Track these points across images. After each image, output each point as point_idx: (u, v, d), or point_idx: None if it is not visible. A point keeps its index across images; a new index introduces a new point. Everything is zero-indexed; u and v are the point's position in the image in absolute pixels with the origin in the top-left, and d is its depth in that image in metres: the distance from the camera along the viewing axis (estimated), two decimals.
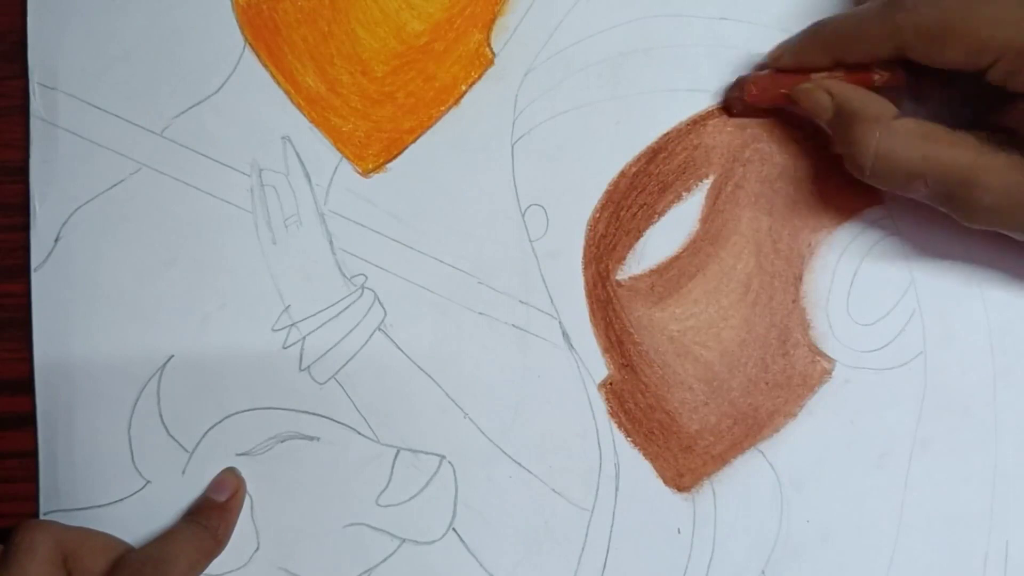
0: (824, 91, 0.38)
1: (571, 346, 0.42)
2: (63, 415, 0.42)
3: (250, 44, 0.43)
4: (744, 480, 0.42)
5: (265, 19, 0.43)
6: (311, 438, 0.42)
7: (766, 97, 0.40)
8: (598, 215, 0.42)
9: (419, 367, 0.42)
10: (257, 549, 0.42)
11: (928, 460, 0.41)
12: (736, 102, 0.41)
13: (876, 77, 0.38)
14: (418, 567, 0.42)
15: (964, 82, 0.36)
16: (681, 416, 0.42)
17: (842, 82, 0.38)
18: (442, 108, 0.43)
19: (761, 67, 0.41)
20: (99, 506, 0.42)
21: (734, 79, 0.42)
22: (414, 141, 0.43)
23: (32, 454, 0.42)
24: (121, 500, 0.42)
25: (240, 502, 0.42)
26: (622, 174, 0.42)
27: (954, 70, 0.36)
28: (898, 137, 0.36)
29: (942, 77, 0.37)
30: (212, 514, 0.41)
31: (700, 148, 0.42)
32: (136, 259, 0.42)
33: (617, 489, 0.42)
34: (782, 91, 0.40)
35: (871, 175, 0.37)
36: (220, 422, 0.42)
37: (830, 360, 0.42)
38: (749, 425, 0.42)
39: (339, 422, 0.42)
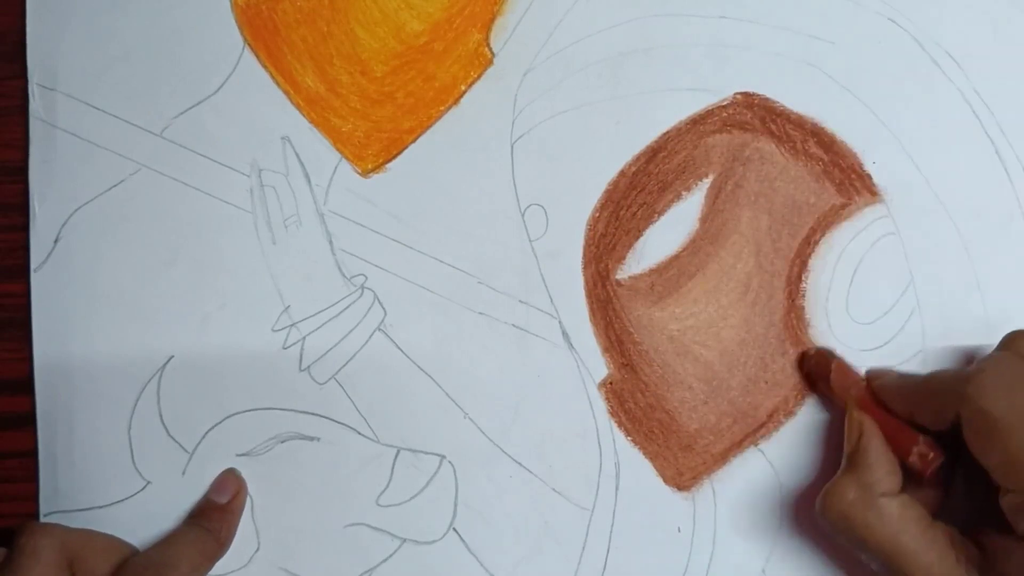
0: (858, 427, 0.38)
1: (571, 346, 0.42)
2: (63, 415, 0.42)
3: (249, 44, 0.43)
4: (744, 479, 0.42)
5: (264, 19, 0.43)
6: (311, 438, 0.42)
7: (836, 393, 0.40)
8: (598, 215, 0.42)
9: (419, 367, 0.42)
10: (258, 549, 0.42)
11: None
12: (814, 368, 0.41)
13: (913, 453, 0.37)
14: (418, 567, 0.42)
15: (986, 487, 0.36)
16: (681, 415, 0.42)
17: (875, 432, 0.38)
18: (441, 108, 0.43)
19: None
20: (99, 507, 0.42)
21: (819, 350, 0.41)
22: (414, 141, 0.43)
23: (32, 454, 0.42)
24: (121, 501, 0.42)
25: (242, 504, 0.42)
26: (622, 174, 0.42)
27: (986, 471, 0.35)
28: (871, 514, 0.36)
29: (971, 471, 0.36)
30: (214, 516, 0.41)
31: (700, 147, 0.42)
32: (136, 259, 0.42)
33: (617, 488, 0.42)
34: (844, 398, 0.39)
35: (829, 527, 0.37)
36: (220, 422, 0.42)
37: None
38: (749, 424, 0.42)
39: (339, 422, 0.42)
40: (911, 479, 0.37)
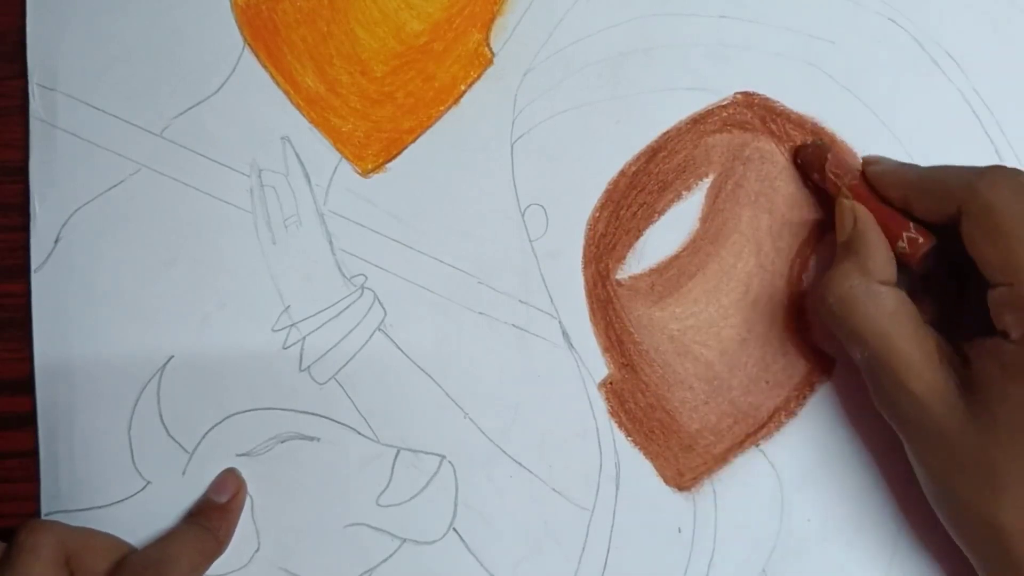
0: (852, 214, 0.38)
1: (571, 346, 0.42)
2: (63, 415, 0.42)
3: (249, 44, 0.43)
4: (745, 479, 0.42)
5: (264, 19, 0.43)
6: (311, 438, 0.42)
7: (830, 182, 0.40)
8: (598, 214, 0.42)
9: (419, 367, 0.42)
10: (257, 549, 0.42)
11: None
12: (808, 159, 0.41)
13: (903, 237, 0.37)
14: (418, 567, 0.42)
15: (975, 290, 0.36)
16: (681, 415, 0.42)
17: (871, 219, 0.38)
18: (441, 108, 0.43)
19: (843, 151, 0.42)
20: (99, 507, 0.42)
21: (814, 141, 0.42)
22: (414, 141, 0.43)
23: (32, 454, 0.42)
24: (121, 501, 0.42)
25: (241, 503, 0.42)
26: (622, 173, 0.42)
27: (980, 267, 0.35)
28: (870, 301, 0.36)
29: (961, 274, 0.37)
30: (213, 515, 0.41)
31: (700, 147, 0.42)
32: (136, 259, 0.42)
33: (617, 489, 0.42)
34: (840, 185, 0.39)
35: (825, 313, 0.37)
36: (220, 423, 0.42)
37: (831, 359, 0.42)
38: (750, 424, 0.42)
39: (339, 422, 0.42)
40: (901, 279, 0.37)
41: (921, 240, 0.37)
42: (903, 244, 0.37)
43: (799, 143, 0.42)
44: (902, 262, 0.38)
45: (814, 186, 0.42)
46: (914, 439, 0.36)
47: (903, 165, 0.40)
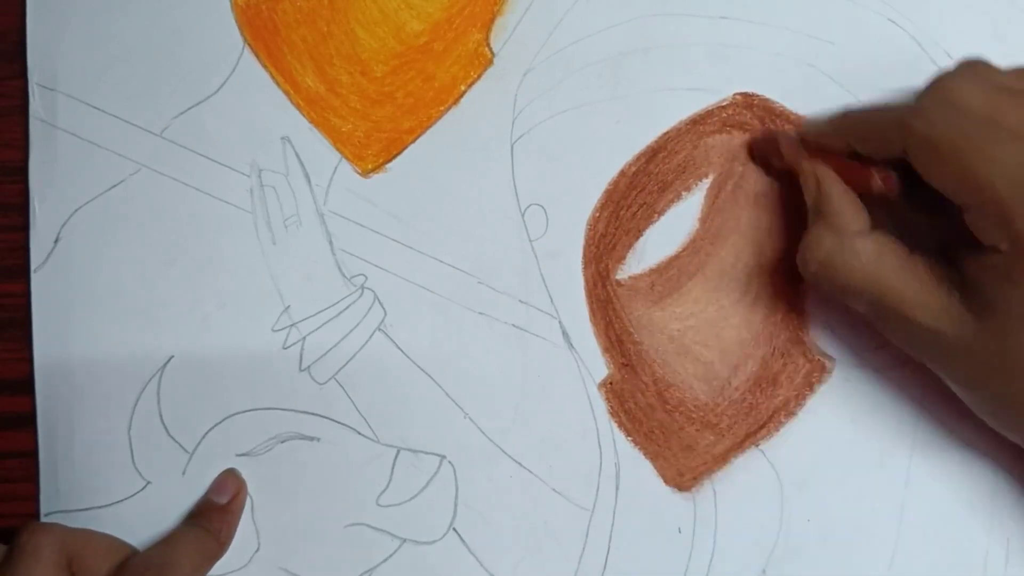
0: (813, 177, 0.39)
1: (571, 346, 0.42)
2: (63, 415, 0.42)
3: (249, 44, 0.43)
4: (745, 479, 0.42)
5: (264, 19, 0.43)
6: (311, 438, 0.42)
7: (788, 159, 0.40)
8: (598, 215, 0.42)
9: (419, 367, 0.42)
10: (258, 550, 0.42)
11: (929, 458, 0.41)
12: (762, 149, 0.42)
13: (874, 179, 0.37)
14: (418, 567, 0.42)
15: (950, 213, 0.36)
16: (681, 415, 0.42)
17: (833, 179, 0.38)
18: (441, 108, 0.43)
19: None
20: (99, 507, 0.42)
21: (766, 131, 0.42)
22: (414, 141, 0.43)
23: (32, 454, 0.42)
24: (121, 501, 0.42)
25: (241, 504, 0.42)
26: (622, 173, 0.42)
27: (944, 196, 0.35)
28: (848, 254, 0.37)
29: (935, 199, 0.36)
30: (214, 516, 0.41)
31: (700, 147, 0.42)
32: (136, 259, 0.42)
33: (617, 489, 0.42)
34: (799, 157, 0.40)
35: (811, 278, 0.38)
36: (220, 422, 0.42)
37: (830, 359, 0.42)
38: (750, 424, 0.42)
39: (339, 422, 0.42)
40: (880, 218, 0.38)
41: (892, 174, 0.37)
42: (878, 183, 0.37)
43: (750, 139, 0.42)
44: (885, 199, 0.38)
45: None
46: (939, 362, 0.37)
47: (837, 117, 0.40)
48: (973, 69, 0.36)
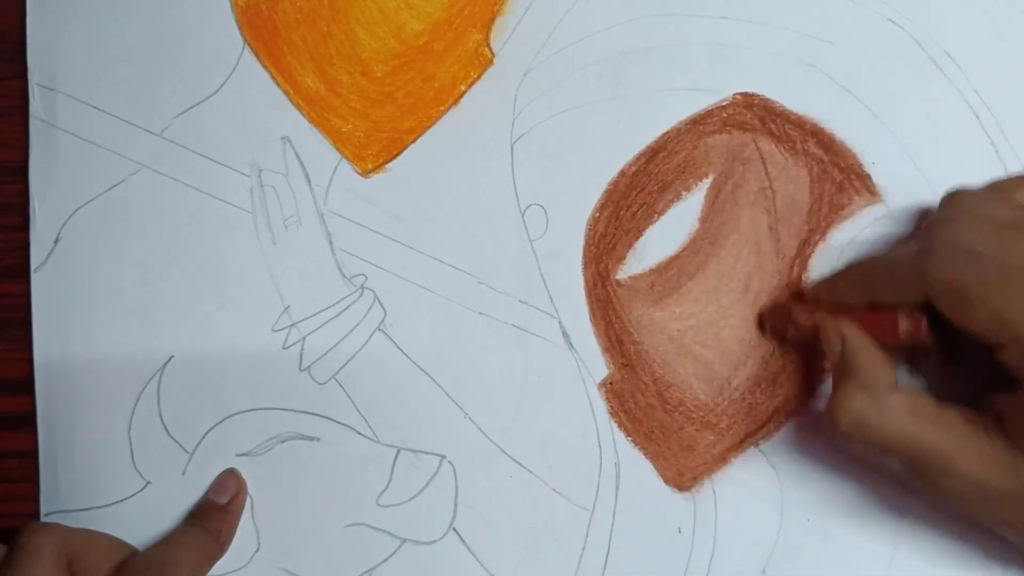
0: (838, 336, 0.38)
1: (571, 346, 0.42)
2: (63, 415, 0.42)
3: (249, 44, 0.43)
4: (745, 479, 0.42)
5: (264, 19, 0.43)
6: (311, 438, 0.42)
7: (808, 329, 0.40)
8: (598, 215, 0.42)
9: (419, 367, 0.42)
10: (258, 550, 0.42)
11: None
12: (775, 322, 0.41)
13: (901, 324, 0.36)
14: (419, 567, 0.42)
15: (979, 354, 0.35)
16: (681, 415, 0.42)
17: (857, 334, 0.37)
18: (441, 108, 0.43)
19: (798, 295, 0.41)
20: (99, 507, 0.42)
21: (775, 302, 0.42)
22: (414, 141, 0.43)
23: (32, 454, 0.42)
24: (121, 501, 0.42)
25: (241, 504, 0.42)
26: (622, 173, 0.42)
27: (972, 337, 0.35)
28: (882, 412, 0.36)
29: (961, 344, 0.36)
30: (214, 516, 0.41)
31: (699, 147, 0.42)
32: (136, 259, 0.42)
33: (617, 489, 0.42)
34: (814, 323, 0.39)
35: (844, 439, 0.37)
36: (220, 423, 0.42)
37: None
38: (749, 424, 0.42)
39: (339, 422, 0.42)
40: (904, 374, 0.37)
41: (919, 317, 0.36)
42: (905, 328, 0.36)
43: (758, 314, 0.42)
44: (913, 345, 0.37)
45: (815, 188, 0.42)
46: (987, 512, 0.36)
47: (849, 270, 0.39)
48: (964, 209, 0.36)
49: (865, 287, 0.38)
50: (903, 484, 0.38)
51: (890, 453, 0.36)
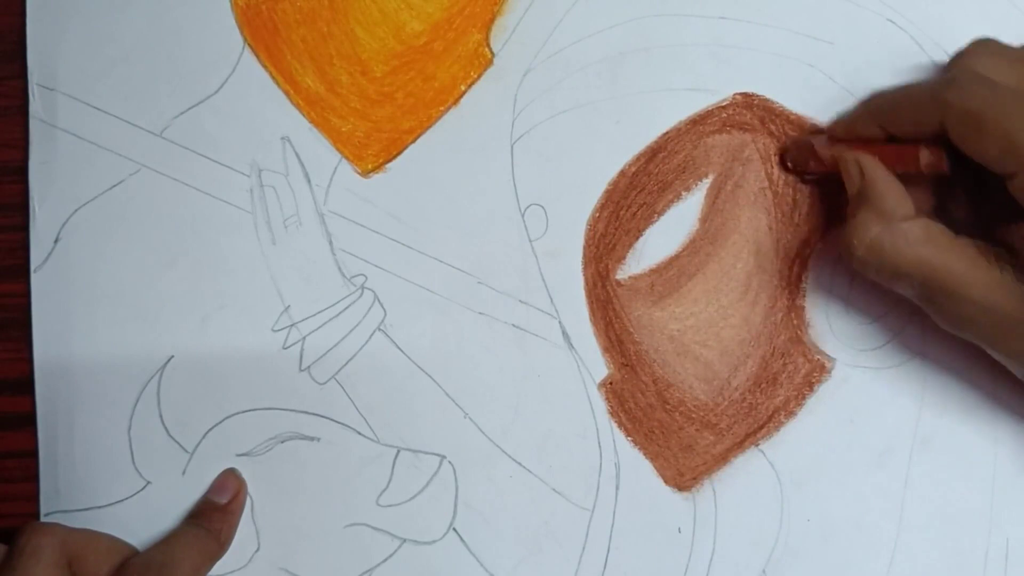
0: (856, 165, 0.38)
1: (571, 346, 0.42)
2: (63, 415, 0.42)
3: (249, 45, 0.43)
4: (744, 479, 0.42)
5: (264, 20, 0.43)
6: (311, 438, 0.42)
7: (827, 160, 0.40)
8: (598, 215, 0.42)
9: (419, 367, 0.42)
10: (258, 549, 0.42)
11: (928, 458, 0.41)
12: (798, 156, 0.41)
13: (922, 155, 0.37)
14: (419, 567, 0.42)
15: (993, 186, 0.36)
16: (681, 415, 0.42)
17: (877, 164, 0.38)
18: (441, 108, 0.43)
19: (819, 131, 0.42)
20: (99, 507, 0.42)
21: (797, 138, 0.42)
22: (413, 141, 0.43)
23: (32, 454, 0.42)
24: (121, 501, 0.42)
25: (241, 504, 0.42)
26: (622, 173, 0.42)
27: (986, 167, 0.35)
28: (897, 238, 0.36)
29: (976, 177, 0.37)
30: (214, 516, 0.41)
31: (700, 147, 0.42)
32: (136, 259, 0.42)
33: (617, 488, 0.42)
34: (835, 156, 0.39)
35: (859, 264, 0.38)
36: (220, 423, 0.42)
37: (830, 359, 0.42)
38: (749, 424, 0.42)
39: (339, 422, 0.42)
40: (922, 205, 0.38)
41: (941, 148, 0.37)
42: (927, 158, 0.37)
43: (779, 150, 0.42)
44: (935, 175, 0.37)
45: (813, 180, 0.42)
46: (993, 339, 0.37)
47: (868, 101, 0.40)
48: (989, 47, 0.37)
49: (884, 117, 0.38)
50: (919, 308, 0.38)
51: (903, 278, 0.37)
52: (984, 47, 0.38)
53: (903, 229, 0.37)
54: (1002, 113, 0.34)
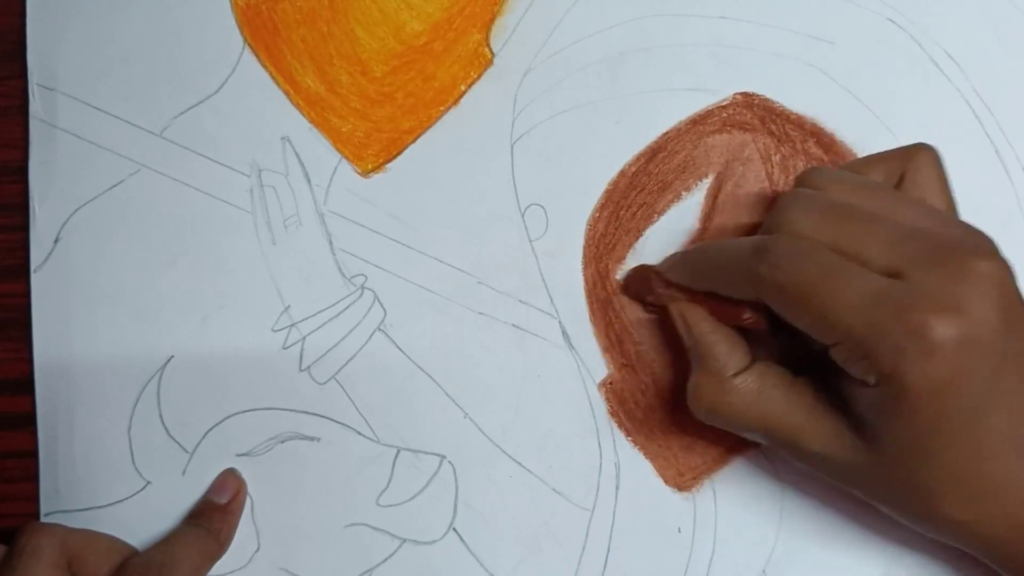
0: (682, 320, 0.38)
1: (571, 346, 0.42)
2: (63, 415, 0.42)
3: (249, 45, 0.43)
4: (745, 479, 0.42)
5: (264, 20, 0.43)
6: (311, 438, 0.42)
7: (656, 298, 0.40)
8: (598, 215, 0.42)
9: (419, 367, 0.42)
10: (258, 550, 0.42)
11: None
12: (635, 286, 0.41)
13: (746, 317, 0.37)
14: (418, 567, 0.42)
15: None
16: (681, 415, 0.42)
17: (702, 318, 0.38)
18: (441, 108, 0.43)
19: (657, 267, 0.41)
20: (99, 507, 0.42)
21: (639, 268, 0.42)
22: (413, 141, 0.43)
23: (32, 454, 0.42)
24: (121, 501, 0.42)
25: (241, 504, 0.42)
26: (622, 173, 0.42)
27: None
28: (732, 397, 0.36)
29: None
30: (214, 516, 0.41)
31: (700, 147, 0.42)
32: (136, 259, 0.42)
33: (617, 489, 0.42)
34: (672, 297, 0.39)
35: (704, 421, 0.38)
36: (220, 423, 0.42)
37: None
38: None
39: (339, 422, 0.42)
40: (763, 345, 0.37)
41: (758, 314, 0.36)
42: (748, 318, 0.36)
43: (624, 276, 0.42)
44: (757, 333, 0.37)
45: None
46: (838, 481, 0.37)
47: (693, 259, 0.39)
48: (800, 201, 0.35)
49: (706, 280, 0.38)
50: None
51: (745, 432, 0.37)
52: (795, 201, 0.35)
53: (736, 386, 0.36)
54: (810, 286, 0.33)
